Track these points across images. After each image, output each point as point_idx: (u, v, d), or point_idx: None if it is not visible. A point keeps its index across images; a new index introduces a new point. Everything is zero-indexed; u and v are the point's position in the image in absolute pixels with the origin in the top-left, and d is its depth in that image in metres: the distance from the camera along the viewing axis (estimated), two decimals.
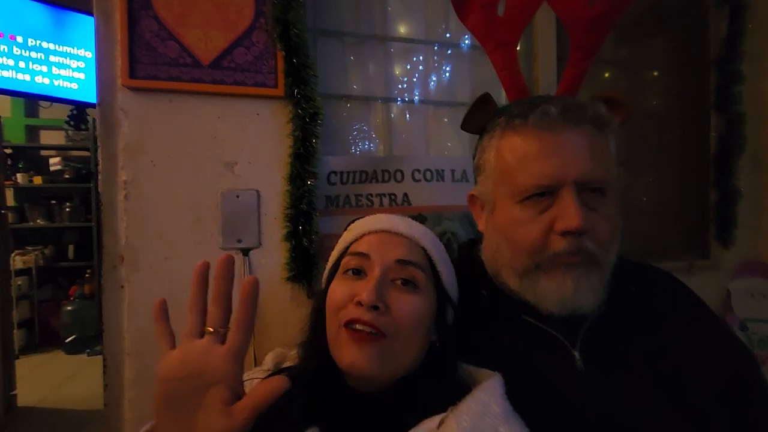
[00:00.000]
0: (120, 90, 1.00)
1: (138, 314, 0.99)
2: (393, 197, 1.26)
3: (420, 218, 1.29)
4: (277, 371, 0.70)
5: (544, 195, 0.66)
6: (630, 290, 0.72)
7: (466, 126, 0.81)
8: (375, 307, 0.56)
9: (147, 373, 0.98)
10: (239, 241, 1.07)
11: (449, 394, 0.55)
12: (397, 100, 1.41)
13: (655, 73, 1.87)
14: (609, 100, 0.72)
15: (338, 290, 0.61)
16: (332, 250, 0.70)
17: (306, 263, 1.08)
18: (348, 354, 0.56)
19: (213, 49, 1.05)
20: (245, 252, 1.07)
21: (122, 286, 0.99)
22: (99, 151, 0.99)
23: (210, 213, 1.05)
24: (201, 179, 1.05)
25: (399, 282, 0.60)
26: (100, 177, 0.99)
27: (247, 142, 1.08)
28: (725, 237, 1.68)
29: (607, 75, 1.82)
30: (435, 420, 0.52)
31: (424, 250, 0.64)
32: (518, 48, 1.52)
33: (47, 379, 3.15)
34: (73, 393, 2.88)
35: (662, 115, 1.83)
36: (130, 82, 0.99)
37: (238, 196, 1.07)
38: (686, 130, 1.80)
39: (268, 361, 0.76)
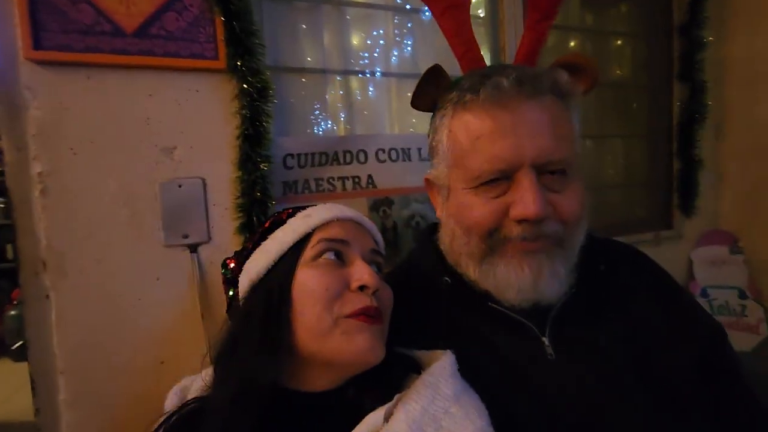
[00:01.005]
0: (23, 64, 0.83)
1: (70, 326, 0.86)
2: (357, 180, 1.16)
3: (387, 202, 1.22)
4: (184, 404, 0.61)
5: (500, 179, 0.60)
6: (599, 270, 0.69)
7: (416, 103, 0.73)
8: (378, 288, 0.56)
9: (87, 393, 0.87)
10: (185, 236, 0.95)
11: (399, 378, 0.55)
12: (358, 73, 1.29)
13: (619, 42, 1.83)
14: (571, 67, 0.66)
15: (323, 279, 0.55)
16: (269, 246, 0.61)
17: None
18: (361, 342, 0.53)
19: (137, 13, 0.89)
20: (193, 248, 0.95)
21: (47, 296, 0.86)
22: (3, 139, 0.83)
23: (148, 206, 0.92)
24: (134, 168, 0.91)
25: (377, 266, 0.62)
26: (6, 170, 0.84)
27: (187, 124, 0.95)
28: (688, 207, 1.70)
29: (573, 44, 1.76)
30: (381, 412, 0.49)
31: (375, 242, 0.65)
32: (482, 15, 1.44)
33: None
34: (26, 404, 2.67)
35: (628, 84, 1.81)
36: (34, 55, 0.83)
37: (180, 186, 0.94)
38: (651, 99, 1.79)
39: (170, 399, 0.65)
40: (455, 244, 0.66)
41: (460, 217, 0.64)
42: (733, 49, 1.70)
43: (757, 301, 1.62)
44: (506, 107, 0.59)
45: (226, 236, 0.98)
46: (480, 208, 0.61)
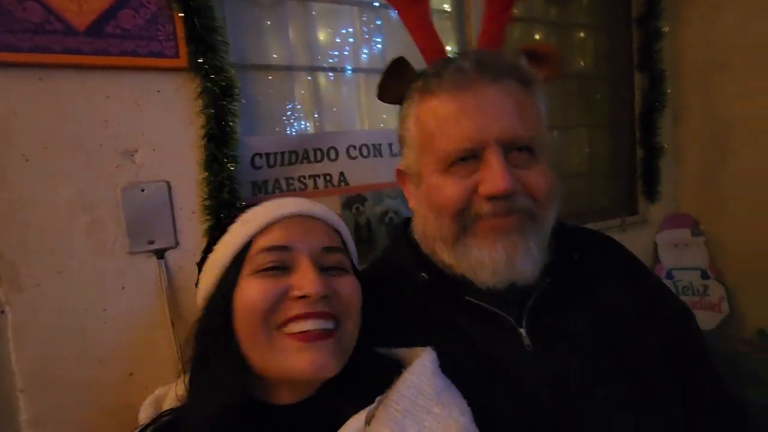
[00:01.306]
0: None
1: (30, 342, 0.82)
2: (328, 178, 1.15)
3: (359, 199, 1.21)
4: (159, 416, 0.59)
5: (468, 159, 0.61)
6: (573, 259, 0.70)
7: (383, 95, 0.73)
8: (324, 297, 0.51)
9: (52, 412, 0.82)
10: (151, 242, 0.91)
11: (379, 380, 0.52)
12: (325, 70, 1.27)
13: (582, 34, 1.88)
14: (534, 55, 0.68)
15: (259, 290, 0.51)
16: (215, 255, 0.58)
17: None
18: (304, 360, 0.49)
19: (89, 11, 0.85)
20: (160, 254, 0.92)
21: (2, 311, 0.81)
22: None
23: (109, 212, 0.88)
24: (93, 173, 0.87)
25: (329, 270, 0.55)
26: None
27: (148, 125, 0.91)
28: (651, 192, 1.77)
29: (537, 36, 1.79)
30: (361, 416, 0.47)
31: (337, 232, 0.60)
32: (449, 9, 1.44)
33: None
34: None
35: (591, 75, 1.86)
36: None
37: (143, 190, 0.90)
38: (613, 90, 1.84)
39: (144, 411, 0.63)
40: (428, 229, 0.66)
41: (431, 199, 0.64)
42: (688, 38, 1.76)
43: (718, 280, 1.70)
44: (469, 89, 0.61)
45: (194, 240, 0.95)
46: (450, 188, 0.61)
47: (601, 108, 1.86)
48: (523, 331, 0.63)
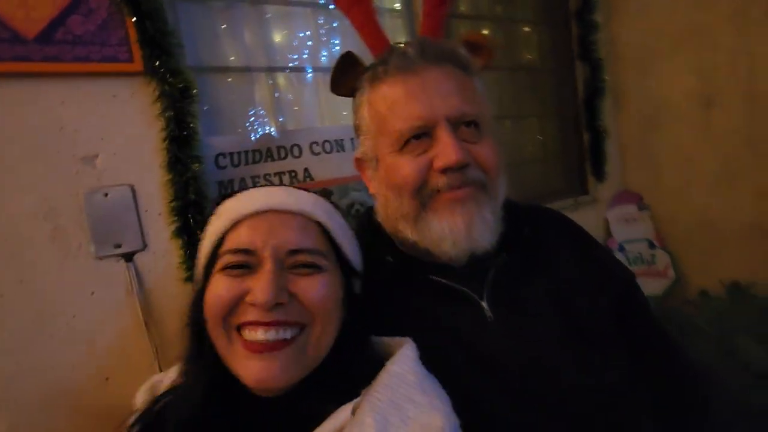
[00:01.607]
0: None
1: None
2: (293, 174, 1.18)
3: (325, 193, 1.24)
4: (155, 400, 0.60)
5: (421, 137, 0.65)
6: (525, 233, 0.75)
7: (336, 89, 0.78)
8: (278, 304, 0.49)
9: (26, 423, 0.81)
10: (117, 246, 0.91)
11: (363, 374, 0.51)
12: (283, 70, 1.30)
13: (527, 29, 1.99)
14: (470, 44, 0.74)
15: (221, 289, 0.50)
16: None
17: None
18: (251, 369, 0.49)
19: (37, 18, 0.84)
20: (128, 257, 0.92)
21: None
22: None
23: (72, 219, 0.87)
24: (53, 180, 0.86)
25: (299, 267, 0.52)
26: None
27: (107, 130, 0.91)
28: (599, 172, 1.90)
29: (485, 32, 1.89)
30: (348, 408, 0.48)
31: (318, 224, 0.56)
32: (399, 8, 1.50)
33: None
34: None
35: (538, 67, 1.97)
36: None
37: (106, 195, 0.90)
38: (558, 80, 1.96)
39: (140, 397, 0.63)
40: (390, 209, 0.70)
41: (389, 179, 0.68)
42: (623, 28, 1.90)
43: (664, 249, 1.85)
44: (415, 72, 0.66)
45: (162, 242, 0.96)
46: (406, 166, 0.65)
47: (549, 98, 1.97)
48: (484, 303, 0.67)
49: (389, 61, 0.67)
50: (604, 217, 1.92)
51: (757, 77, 1.56)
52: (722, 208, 1.68)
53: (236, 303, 0.50)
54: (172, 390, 0.59)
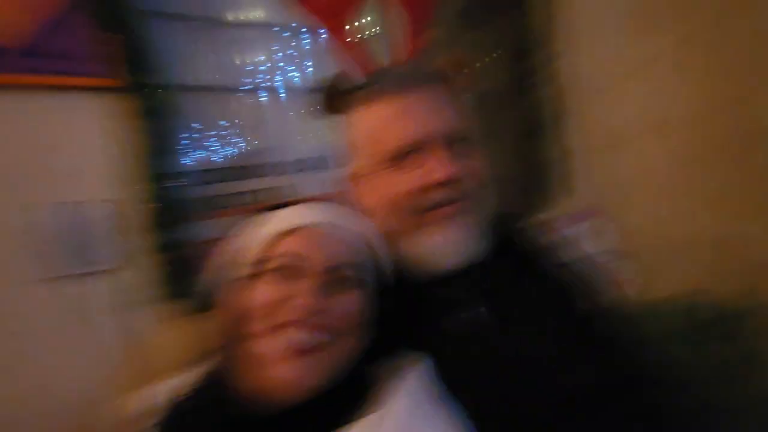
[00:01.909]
0: None
1: None
2: (274, 192, 1.19)
3: None
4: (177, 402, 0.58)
5: (414, 153, 0.68)
6: (513, 242, 0.78)
7: (327, 110, 0.80)
8: (317, 312, 0.51)
9: None
10: (91, 263, 0.89)
11: (372, 393, 0.52)
12: (259, 89, 1.32)
13: (494, 56, 2.10)
14: (450, 67, 0.80)
15: (265, 292, 0.52)
16: (223, 255, 0.59)
17: (180, 275, 0.95)
18: (284, 371, 0.50)
19: (21, 32, 0.84)
20: (102, 275, 0.90)
21: None
22: None
23: (44, 236, 0.85)
24: (23, 195, 0.84)
25: (340, 281, 0.54)
26: None
27: (82, 145, 0.90)
28: (565, 191, 2.00)
29: (463, 55, 1.99)
30: (373, 416, 0.49)
31: (362, 238, 0.59)
32: (378, 30, 1.57)
33: None
34: None
35: (504, 93, 2.08)
36: None
37: (79, 211, 0.88)
38: (523, 105, 2.08)
39: (136, 404, 0.62)
40: (388, 227, 0.70)
41: (384, 196, 0.70)
42: (580, 57, 2.05)
43: (630, 259, 1.95)
44: (406, 93, 0.70)
45: (137, 258, 0.94)
46: (401, 183, 0.68)
47: (517, 122, 2.09)
48: (483, 309, 0.69)
49: (382, 82, 0.71)
50: (568, 233, 2.01)
51: (705, 99, 1.70)
52: (674, 220, 1.80)
53: (280, 305, 0.51)
54: (192, 396, 0.57)
